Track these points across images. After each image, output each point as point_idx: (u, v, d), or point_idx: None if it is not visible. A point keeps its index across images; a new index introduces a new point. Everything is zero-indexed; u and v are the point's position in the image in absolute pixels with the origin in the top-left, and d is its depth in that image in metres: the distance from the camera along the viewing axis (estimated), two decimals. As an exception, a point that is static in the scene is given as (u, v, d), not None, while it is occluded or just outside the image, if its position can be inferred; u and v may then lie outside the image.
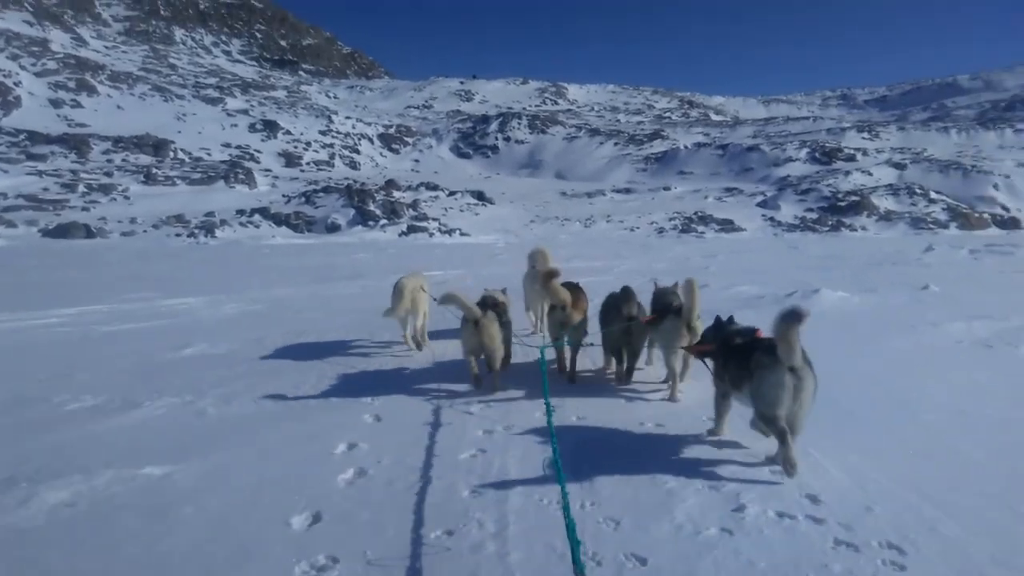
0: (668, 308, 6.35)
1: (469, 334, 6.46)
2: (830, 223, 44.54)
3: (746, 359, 4.65)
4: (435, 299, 7.47)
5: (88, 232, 32.51)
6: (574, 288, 7.07)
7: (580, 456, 4.91)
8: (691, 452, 5.05)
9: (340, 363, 7.76)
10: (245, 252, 27.06)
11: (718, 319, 5.53)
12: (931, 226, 43.58)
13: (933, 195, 48.62)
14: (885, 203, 48.02)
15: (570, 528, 3.34)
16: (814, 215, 46.26)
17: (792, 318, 4.25)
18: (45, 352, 8.51)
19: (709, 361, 5.40)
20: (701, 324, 6.04)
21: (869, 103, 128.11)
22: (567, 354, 7.08)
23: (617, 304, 6.62)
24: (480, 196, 49.81)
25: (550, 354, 7.06)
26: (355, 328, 9.82)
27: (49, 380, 7.03)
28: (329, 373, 7.27)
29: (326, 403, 6.27)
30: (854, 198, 48.28)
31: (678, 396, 6.26)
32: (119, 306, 12.10)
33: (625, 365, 6.69)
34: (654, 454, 5.02)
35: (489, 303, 6.88)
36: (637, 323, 6.48)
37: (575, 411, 6.03)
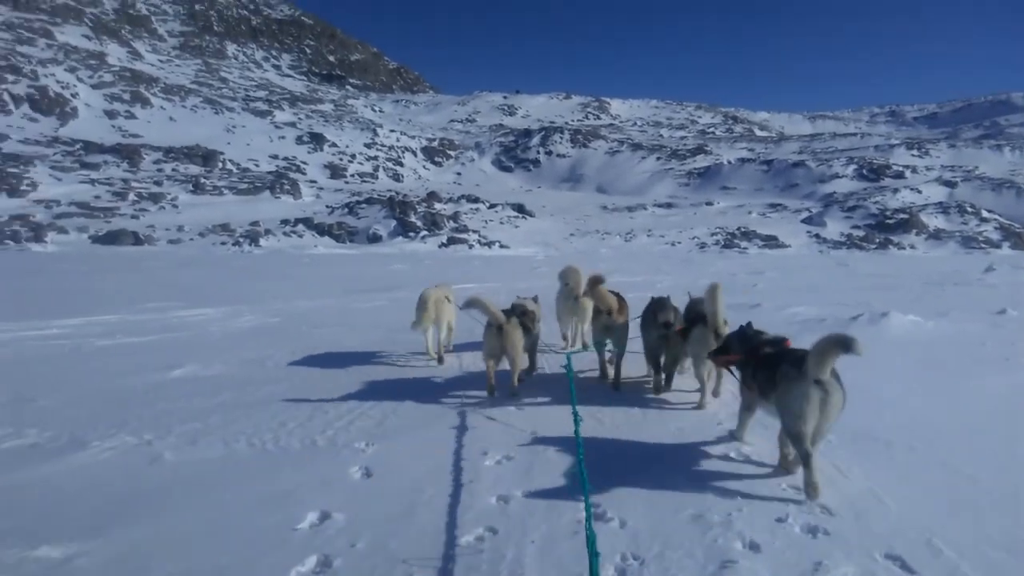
0: (698, 317, 6.21)
1: (491, 338, 6.37)
2: (877, 241, 43.65)
3: (774, 369, 4.50)
4: (460, 307, 7.35)
5: (136, 239, 33.34)
6: (616, 296, 7.03)
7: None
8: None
9: (342, 391, 6.69)
10: (285, 261, 27.39)
11: (742, 328, 5.39)
12: (983, 245, 42.45)
13: (985, 214, 47.44)
14: (935, 221, 47.01)
15: (590, 540, 3.21)
16: (861, 232, 45.38)
17: (840, 344, 4.02)
18: (27, 368, 7.80)
19: (736, 370, 5.29)
20: (728, 330, 5.91)
21: (919, 120, 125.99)
22: (608, 360, 7.12)
23: (653, 311, 6.60)
24: (520, 209, 49.91)
25: (580, 363, 6.97)
26: (372, 346, 8.92)
27: (6, 405, 6.21)
28: (325, 406, 6.16)
29: (310, 449, 5.11)
30: (903, 216, 47.28)
31: (705, 404, 6.15)
32: (129, 317, 11.49)
33: (664, 373, 6.60)
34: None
35: (518, 311, 6.83)
36: (672, 331, 6.41)
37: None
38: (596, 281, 6.90)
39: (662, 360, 6.60)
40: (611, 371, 6.97)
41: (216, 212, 40.27)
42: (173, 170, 53.13)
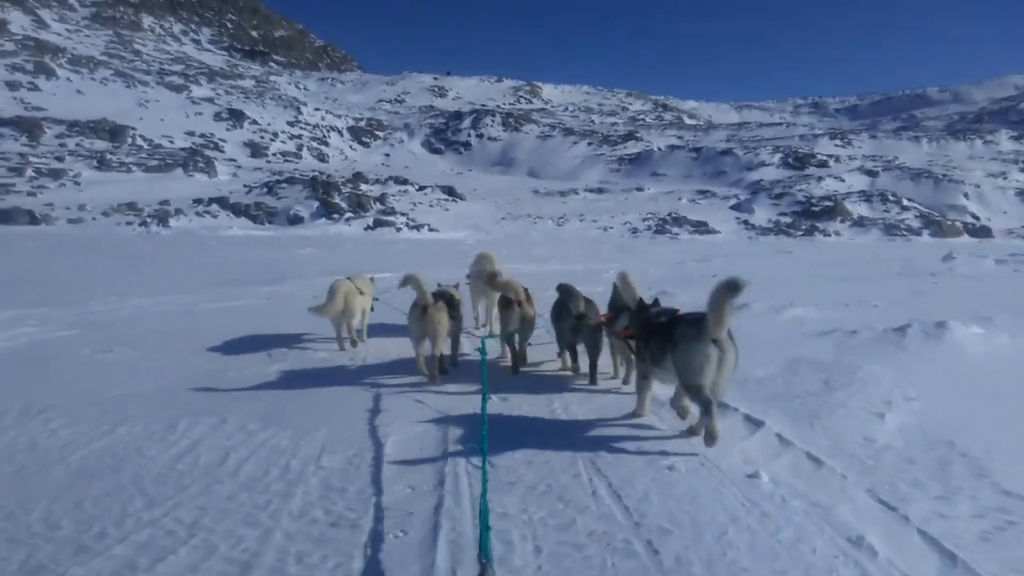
0: (624, 306, 6.13)
1: (415, 319, 6.24)
2: (804, 227, 44.04)
3: (669, 333, 4.64)
4: (376, 299, 7.83)
5: (32, 218, 30.76)
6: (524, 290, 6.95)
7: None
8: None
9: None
10: (186, 244, 25.12)
11: (640, 301, 5.54)
12: (904, 232, 43.34)
13: (906, 202, 48.47)
14: (858, 209, 47.87)
15: (483, 513, 3.13)
16: (788, 219, 45.79)
17: (730, 288, 4.20)
18: None
19: (633, 344, 5.37)
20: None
21: (840, 111, 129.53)
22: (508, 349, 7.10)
23: (564, 303, 6.50)
24: (451, 192, 48.59)
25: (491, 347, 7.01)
26: (160, 395, 5.60)
27: None
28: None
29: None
30: (828, 203, 47.95)
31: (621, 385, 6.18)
32: None
33: (590, 361, 6.37)
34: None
35: (445, 297, 6.72)
36: (586, 322, 6.31)
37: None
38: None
39: (577, 348, 6.57)
40: (509, 355, 6.97)
41: (123, 190, 37.61)
42: (77, 145, 49.71)
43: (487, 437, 4.13)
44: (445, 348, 6.55)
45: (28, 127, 49.98)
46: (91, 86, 69.46)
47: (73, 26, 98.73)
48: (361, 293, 7.82)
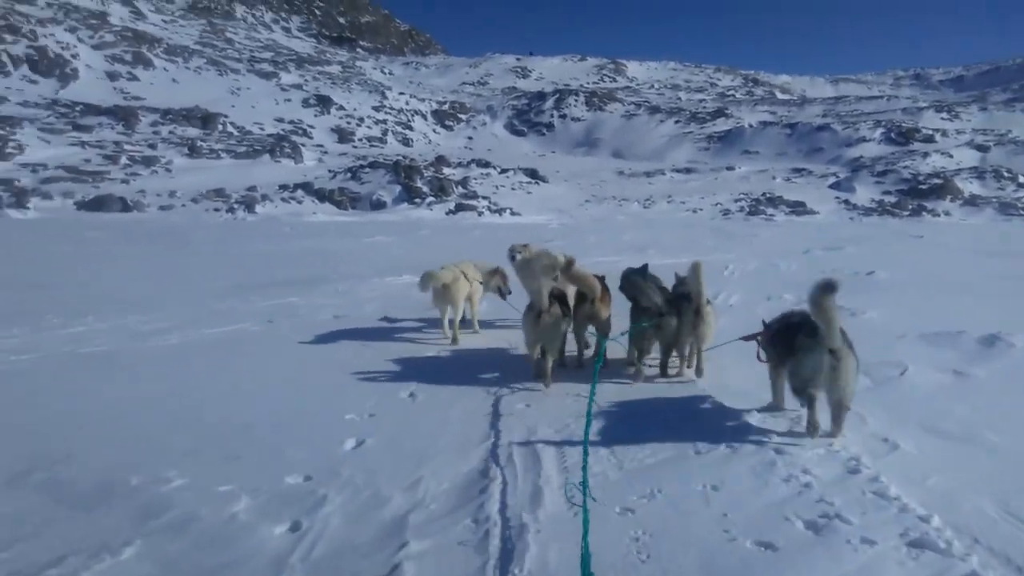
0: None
1: (531, 323, 5.99)
2: (910, 207, 41.11)
3: (791, 341, 4.73)
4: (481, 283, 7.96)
5: (124, 205, 31.46)
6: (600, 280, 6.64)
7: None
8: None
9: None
10: (261, 231, 24.38)
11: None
12: (1022, 212, 39.99)
13: (1022, 179, 44.89)
14: (970, 187, 44.49)
15: (584, 560, 2.90)
16: (893, 198, 42.84)
17: (828, 289, 4.32)
18: None
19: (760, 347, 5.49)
20: (711, 309, 6.19)
21: (944, 83, 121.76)
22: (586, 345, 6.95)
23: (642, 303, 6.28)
24: (533, 174, 47.55)
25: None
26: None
27: None
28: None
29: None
30: (936, 181, 44.74)
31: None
32: None
33: (660, 359, 6.33)
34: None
35: (556, 294, 6.31)
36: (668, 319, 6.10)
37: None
38: (570, 263, 6.36)
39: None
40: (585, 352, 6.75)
41: (211, 177, 38.18)
42: (170, 132, 50.90)
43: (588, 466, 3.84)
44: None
45: (124, 116, 51.54)
46: (186, 75, 71.37)
47: (169, 16, 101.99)
48: (466, 278, 7.74)
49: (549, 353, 5.98)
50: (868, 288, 10.75)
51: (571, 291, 6.56)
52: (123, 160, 40.11)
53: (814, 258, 15.95)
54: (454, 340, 7.59)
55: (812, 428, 4.54)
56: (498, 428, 4.79)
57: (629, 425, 4.92)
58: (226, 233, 23.48)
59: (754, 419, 4.94)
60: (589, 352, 6.70)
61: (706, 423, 5.01)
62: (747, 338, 5.67)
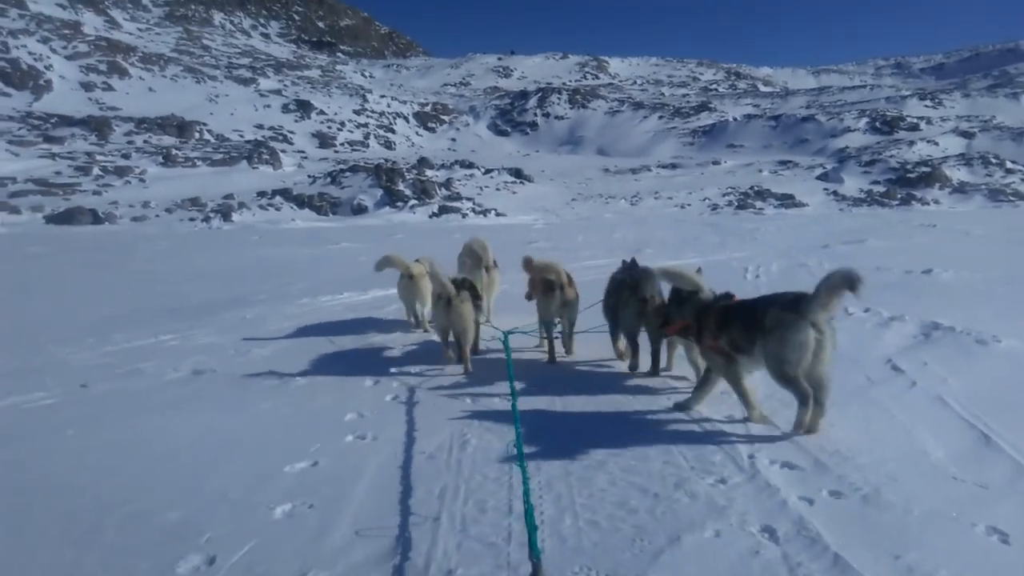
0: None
1: (440, 311, 6.36)
2: (899, 196, 40.57)
3: (757, 318, 4.46)
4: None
5: (95, 217, 30.30)
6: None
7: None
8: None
9: None
10: (232, 239, 23.28)
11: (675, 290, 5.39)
12: (1011, 198, 39.54)
13: (1009, 165, 44.65)
14: (958, 174, 44.12)
15: (528, 513, 3.21)
16: (881, 188, 42.31)
17: (850, 281, 4.07)
18: None
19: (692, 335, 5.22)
20: None
21: (925, 71, 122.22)
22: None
23: (633, 284, 6.22)
24: (518, 174, 46.75)
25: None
26: None
27: None
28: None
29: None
30: (924, 169, 44.36)
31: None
32: None
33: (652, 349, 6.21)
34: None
35: (466, 285, 6.77)
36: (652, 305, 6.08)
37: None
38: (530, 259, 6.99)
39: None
40: (557, 347, 6.81)
41: (187, 185, 37.11)
42: (144, 142, 49.81)
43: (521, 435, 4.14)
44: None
45: (97, 126, 50.42)
46: (162, 83, 70.29)
47: (144, 25, 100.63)
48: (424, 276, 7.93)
49: (461, 339, 6.30)
50: (940, 291, 9.25)
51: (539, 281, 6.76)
52: (95, 171, 38.96)
53: (839, 254, 14.67)
54: (425, 330, 8.00)
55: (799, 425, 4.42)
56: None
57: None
58: (182, 244, 22.09)
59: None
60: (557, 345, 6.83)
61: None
62: (672, 331, 5.62)
